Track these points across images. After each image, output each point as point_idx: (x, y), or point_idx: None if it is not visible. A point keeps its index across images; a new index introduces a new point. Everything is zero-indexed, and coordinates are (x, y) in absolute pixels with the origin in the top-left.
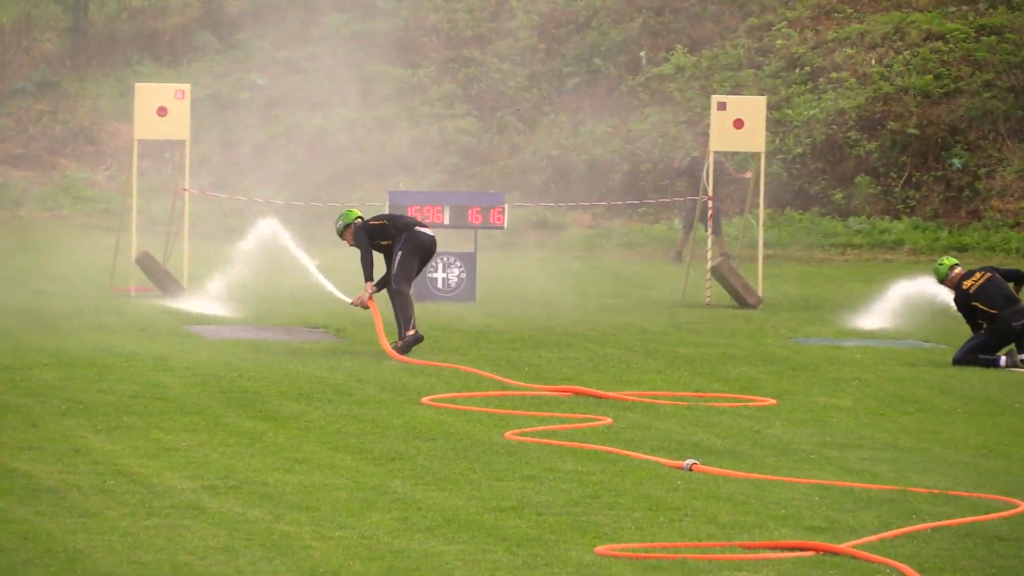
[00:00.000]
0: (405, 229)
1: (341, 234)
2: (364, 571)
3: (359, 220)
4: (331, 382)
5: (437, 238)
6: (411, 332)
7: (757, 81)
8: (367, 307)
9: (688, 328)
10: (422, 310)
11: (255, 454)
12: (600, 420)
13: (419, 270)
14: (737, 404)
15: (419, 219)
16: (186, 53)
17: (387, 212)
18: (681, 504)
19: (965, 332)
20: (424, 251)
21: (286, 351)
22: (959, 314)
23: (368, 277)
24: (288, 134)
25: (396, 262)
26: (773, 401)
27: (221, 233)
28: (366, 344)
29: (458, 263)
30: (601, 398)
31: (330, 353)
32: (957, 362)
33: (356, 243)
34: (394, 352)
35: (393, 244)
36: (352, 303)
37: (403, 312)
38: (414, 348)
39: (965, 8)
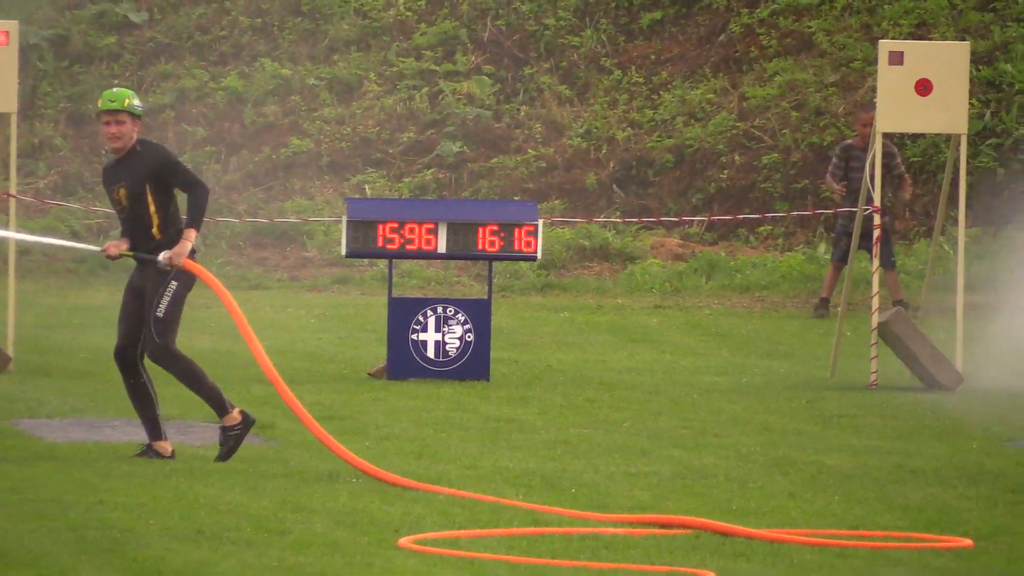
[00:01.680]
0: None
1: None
2: None
3: None
4: (251, 512)
5: (429, 275)
6: (237, 413)
7: (955, 18)
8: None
9: (840, 425)
10: (401, 389)
11: None
12: (699, 575)
13: None
14: (920, 545)
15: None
16: None
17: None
18: None
19: None
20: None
21: (177, 461)
22: None
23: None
24: (182, 100)
25: (168, 294)
26: (969, 542)
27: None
28: (309, 447)
29: (461, 318)
30: (719, 533)
31: (250, 464)
32: None
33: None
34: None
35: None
36: (164, 262)
37: (203, 388)
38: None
39: None
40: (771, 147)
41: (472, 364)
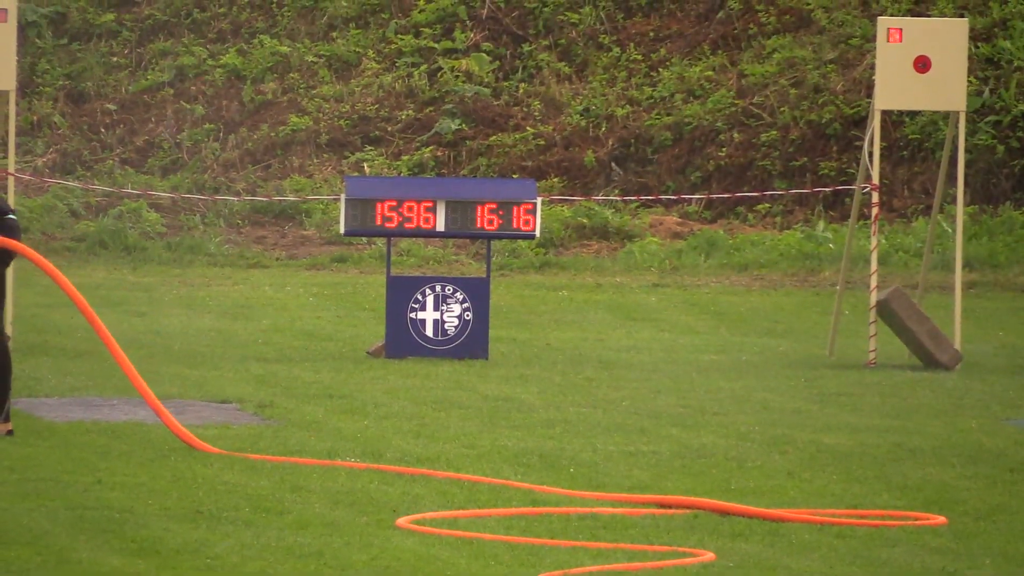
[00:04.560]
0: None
1: None
2: None
3: None
4: (249, 492)
5: (427, 254)
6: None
7: None
8: None
9: (838, 403)
10: (399, 368)
11: None
12: (697, 555)
13: None
14: (894, 523)
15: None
16: None
17: None
18: None
19: None
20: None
21: (177, 441)
22: None
23: None
24: (181, 77)
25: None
26: (942, 520)
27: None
28: (308, 427)
29: (459, 296)
30: (717, 512)
31: (248, 443)
32: None
33: None
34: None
35: None
36: None
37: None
38: None
39: None
40: (770, 124)
41: (471, 343)
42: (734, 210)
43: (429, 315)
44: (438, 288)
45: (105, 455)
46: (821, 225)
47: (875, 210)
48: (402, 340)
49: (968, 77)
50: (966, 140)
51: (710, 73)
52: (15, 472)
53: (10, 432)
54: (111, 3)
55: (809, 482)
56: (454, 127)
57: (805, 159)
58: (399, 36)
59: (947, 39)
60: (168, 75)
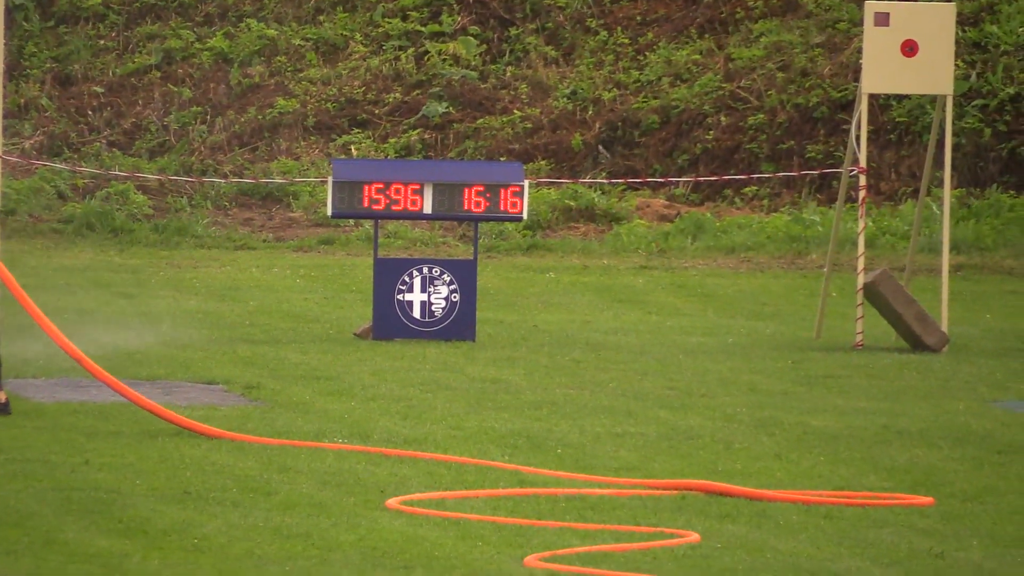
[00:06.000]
0: None
1: None
2: None
3: None
4: (237, 472)
5: (414, 236)
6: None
7: None
8: None
9: (826, 385)
10: (386, 350)
11: None
12: (683, 536)
13: None
14: (882, 502)
15: None
16: None
17: None
18: None
19: None
20: None
21: (163, 422)
22: None
23: None
24: (168, 60)
25: None
26: (929, 500)
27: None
28: (295, 408)
29: (447, 278)
30: (708, 492)
31: (236, 424)
32: None
33: None
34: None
35: None
36: None
37: None
38: None
39: None
40: (757, 108)
41: (458, 325)
42: (721, 193)
43: (416, 297)
44: (425, 270)
45: (92, 436)
46: (811, 207)
47: (862, 193)
48: (389, 322)
49: (955, 61)
50: (953, 124)
51: (697, 57)
52: (2, 453)
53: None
54: None
55: (796, 464)
56: (441, 110)
57: (792, 142)
58: (386, 19)
59: (934, 23)
60: (155, 58)
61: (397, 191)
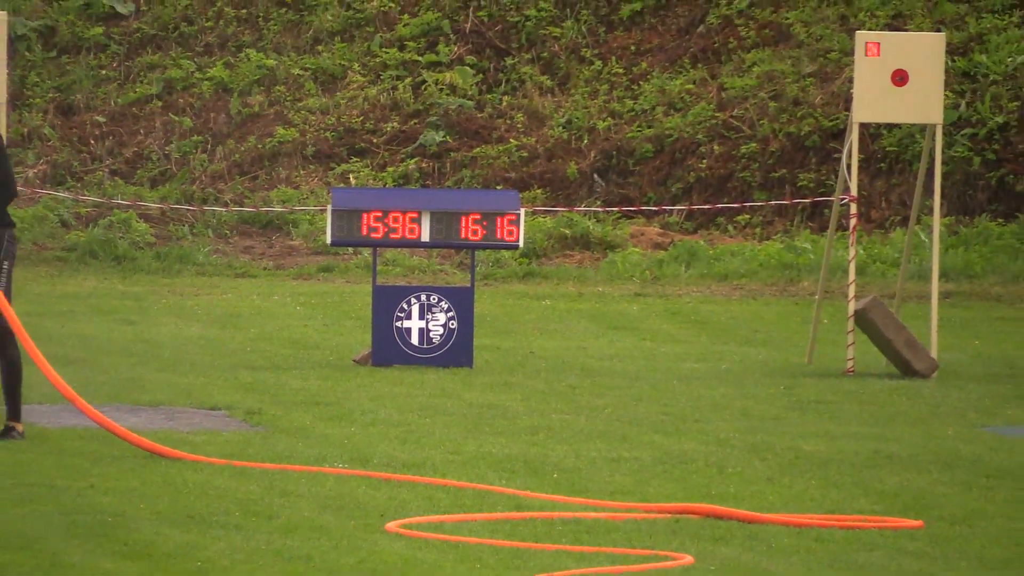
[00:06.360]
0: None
1: None
2: None
3: None
4: (239, 496)
5: (412, 264)
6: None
7: (931, 9)
8: None
9: (817, 411)
10: (385, 376)
11: None
12: (677, 558)
13: None
14: (870, 525)
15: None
16: None
17: None
18: None
19: None
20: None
21: (166, 447)
22: None
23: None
24: (169, 90)
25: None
26: (919, 523)
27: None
28: (295, 433)
29: (444, 305)
30: (709, 516)
31: (238, 449)
32: None
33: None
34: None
35: None
36: None
37: (16, 385)
38: None
39: None
40: (749, 137)
41: (455, 351)
42: (714, 221)
43: (414, 324)
44: (423, 297)
45: (97, 461)
46: (804, 236)
47: (853, 221)
48: (388, 348)
49: (945, 90)
50: (943, 152)
51: (690, 86)
52: (9, 477)
53: (17, 431)
54: (99, 17)
55: (788, 487)
56: (438, 139)
57: (784, 171)
58: (384, 49)
59: (924, 53)
60: (156, 88)
61: (395, 219)
